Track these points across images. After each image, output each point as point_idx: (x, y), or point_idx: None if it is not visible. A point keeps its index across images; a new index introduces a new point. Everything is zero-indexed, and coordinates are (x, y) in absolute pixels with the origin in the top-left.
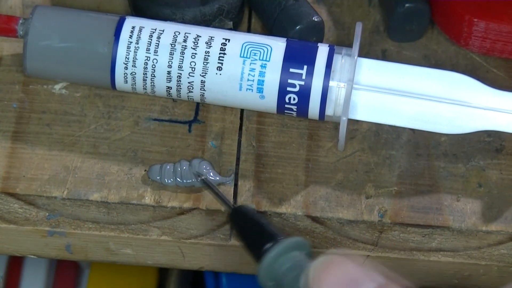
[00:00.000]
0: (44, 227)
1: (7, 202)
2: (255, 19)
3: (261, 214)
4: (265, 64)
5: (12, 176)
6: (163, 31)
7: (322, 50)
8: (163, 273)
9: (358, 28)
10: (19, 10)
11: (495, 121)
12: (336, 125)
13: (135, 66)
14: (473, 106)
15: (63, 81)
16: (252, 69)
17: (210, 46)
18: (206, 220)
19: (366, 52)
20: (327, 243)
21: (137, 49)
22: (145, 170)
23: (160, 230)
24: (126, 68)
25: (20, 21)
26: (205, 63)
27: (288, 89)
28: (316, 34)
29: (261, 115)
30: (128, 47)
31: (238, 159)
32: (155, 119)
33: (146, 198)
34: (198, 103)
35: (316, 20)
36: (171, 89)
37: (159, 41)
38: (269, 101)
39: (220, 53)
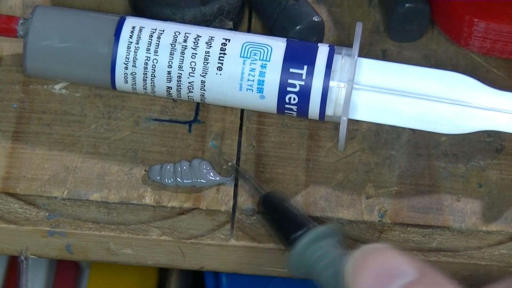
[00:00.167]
0: (44, 227)
1: (7, 202)
2: (255, 19)
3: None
4: (265, 64)
5: (12, 176)
6: (163, 31)
7: (322, 50)
8: (163, 273)
9: (358, 28)
10: (19, 10)
11: (495, 121)
12: (336, 125)
13: (135, 66)
14: (473, 106)
15: (63, 81)
16: (252, 69)
17: (210, 46)
18: (206, 220)
19: (366, 52)
20: None
21: (137, 49)
22: (145, 170)
23: (160, 230)
24: (126, 68)
25: (20, 21)
26: (205, 63)
27: (288, 89)
28: (316, 34)
29: (261, 115)
30: (128, 47)
31: (238, 159)
32: (155, 119)
33: (146, 198)
34: (198, 103)
35: (316, 20)
36: (171, 89)
37: (159, 41)
38: (269, 101)
39: (220, 53)
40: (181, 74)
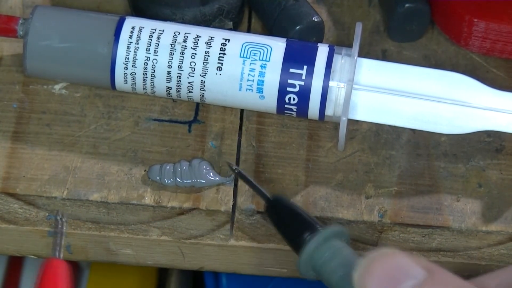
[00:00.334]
0: (44, 227)
1: (7, 202)
2: (255, 19)
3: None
4: (265, 64)
5: (12, 176)
6: (163, 31)
7: (322, 50)
8: (163, 273)
9: (358, 28)
10: (19, 10)
11: (495, 121)
12: (336, 125)
13: (135, 66)
14: (473, 106)
15: (63, 81)
16: (252, 69)
17: (210, 46)
18: (206, 220)
19: (366, 52)
20: None
21: (137, 49)
22: (145, 170)
23: (160, 230)
24: (126, 68)
25: (20, 21)
26: (205, 63)
27: (288, 89)
28: (316, 34)
29: (261, 115)
30: (128, 47)
31: (238, 159)
32: (155, 119)
33: (146, 198)
34: (198, 103)
35: (316, 20)
36: (171, 89)
37: (159, 41)
38: (269, 101)
39: (220, 53)
40: (180, 74)
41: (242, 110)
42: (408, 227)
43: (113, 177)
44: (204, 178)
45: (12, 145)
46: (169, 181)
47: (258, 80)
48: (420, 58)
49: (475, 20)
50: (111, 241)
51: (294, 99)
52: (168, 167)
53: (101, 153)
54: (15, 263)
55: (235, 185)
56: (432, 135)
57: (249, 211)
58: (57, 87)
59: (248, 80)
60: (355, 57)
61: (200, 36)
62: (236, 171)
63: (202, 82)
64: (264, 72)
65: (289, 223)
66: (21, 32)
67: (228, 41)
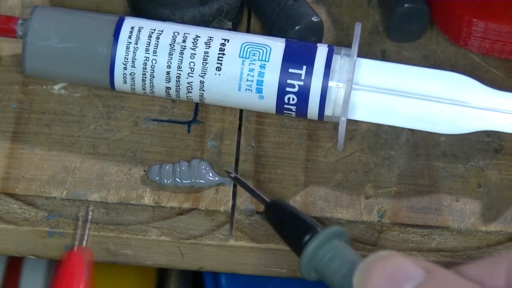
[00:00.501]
0: (44, 227)
1: (6, 202)
2: (255, 19)
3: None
4: (264, 64)
5: (11, 176)
6: (162, 31)
7: (321, 50)
8: (162, 273)
9: (357, 28)
10: (18, 11)
11: (494, 121)
12: (335, 125)
13: (134, 67)
14: (472, 107)
15: (62, 81)
16: (251, 70)
17: (209, 47)
18: (205, 220)
19: (365, 52)
20: None
21: (136, 50)
22: (144, 171)
23: (160, 230)
24: (125, 68)
25: (19, 22)
26: (204, 64)
27: (287, 89)
28: (315, 34)
29: (260, 115)
30: (127, 48)
31: (237, 159)
32: (154, 120)
33: (145, 198)
34: (197, 104)
35: (315, 20)
36: (170, 89)
37: (158, 42)
38: (268, 101)
39: (219, 54)
40: (180, 74)
41: (241, 110)
42: (408, 227)
43: (112, 177)
44: (203, 178)
45: (11, 145)
46: (168, 181)
47: (258, 80)
48: (420, 58)
49: (474, 20)
50: (111, 242)
51: (293, 99)
52: (167, 167)
53: (101, 153)
54: (15, 263)
55: (235, 185)
56: (432, 135)
57: (248, 211)
58: (56, 87)
59: (247, 80)
60: (355, 57)
61: (199, 36)
62: (233, 177)
63: (201, 82)
64: (264, 72)
65: (289, 226)
66: (20, 33)
67: (227, 41)
